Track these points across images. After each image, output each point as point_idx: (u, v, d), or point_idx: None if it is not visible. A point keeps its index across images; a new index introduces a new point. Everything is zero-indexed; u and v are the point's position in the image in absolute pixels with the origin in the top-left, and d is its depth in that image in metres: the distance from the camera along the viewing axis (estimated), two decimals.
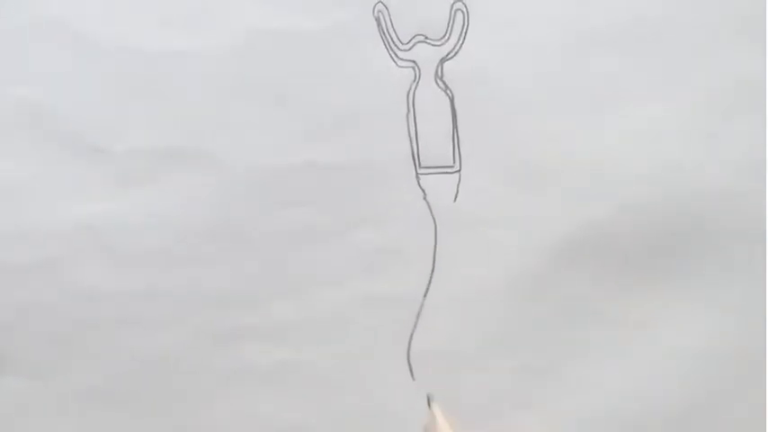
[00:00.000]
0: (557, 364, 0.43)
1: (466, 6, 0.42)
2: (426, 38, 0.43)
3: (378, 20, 0.42)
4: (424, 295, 0.42)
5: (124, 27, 0.42)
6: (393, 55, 0.42)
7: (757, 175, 0.43)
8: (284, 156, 0.42)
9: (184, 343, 0.42)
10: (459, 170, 0.43)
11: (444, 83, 0.43)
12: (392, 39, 0.42)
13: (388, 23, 0.42)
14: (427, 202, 0.43)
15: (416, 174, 0.42)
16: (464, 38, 0.42)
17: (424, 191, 0.43)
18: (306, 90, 0.42)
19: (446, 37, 0.43)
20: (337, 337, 0.43)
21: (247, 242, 0.42)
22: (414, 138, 0.42)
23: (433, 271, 0.42)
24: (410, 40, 0.43)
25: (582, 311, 0.43)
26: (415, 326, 0.43)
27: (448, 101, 0.43)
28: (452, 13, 0.42)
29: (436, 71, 0.43)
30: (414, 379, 0.43)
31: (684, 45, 0.43)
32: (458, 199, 0.43)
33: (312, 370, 0.42)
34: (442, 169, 0.42)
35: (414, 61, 0.43)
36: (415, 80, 0.43)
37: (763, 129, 0.43)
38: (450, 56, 0.43)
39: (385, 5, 0.42)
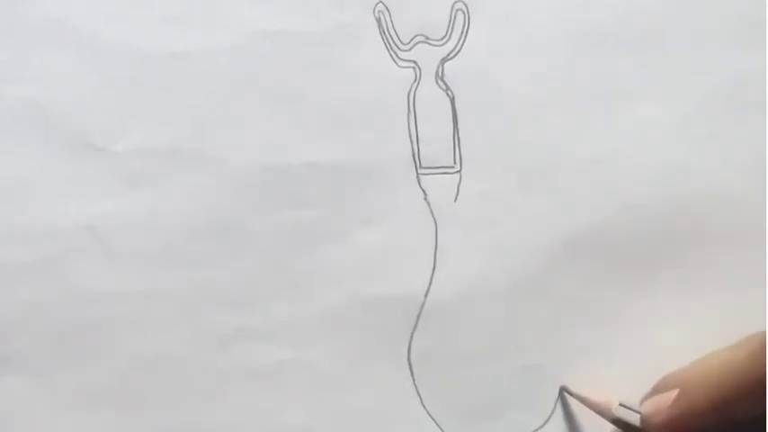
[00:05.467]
0: (557, 364, 0.43)
1: (466, 6, 0.42)
2: (427, 38, 0.43)
3: (378, 20, 0.42)
4: (425, 295, 0.42)
5: (125, 27, 0.42)
6: (393, 55, 0.42)
7: (757, 175, 0.43)
8: (284, 156, 0.42)
9: (184, 343, 0.42)
10: (460, 170, 0.43)
11: (445, 83, 0.43)
12: (393, 39, 0.42)
13: (389, 23, 0.42)
14: (428, 203, 0.43)
15: (417, 174, 0.42)
16: (465, 38, 0.42)
17: (424, 191, 0.43)
18: (306, 90, 0.42)
19: (447, 37, 0.42)
20: (337, 337, 0.42)
21: (247, 242, 0.42)
22: (414, 138, 0.42)
23: (433, 271, 0.42)
24: (411, 41, 0.43)
25: (582, 311, 0.43)
26: (415, 326, 0.42)
27: (448, 101, 0.43)
28: (453, 13, 0.42)
29: (437, 71, 0.43)
30: (414, 379, 0.43)
31: (685, 45, 0.43)
32: (458, 199, 0.43)
33: (312, 370, 0.42)
34: (443, 169, 0.42)
35: (414, 61, 0.43)
36: (415, 80, 0.43)
37: (763, 129, 0.43)
38: (450, 56, 0.43)
39: (385, 5, 0.42)
